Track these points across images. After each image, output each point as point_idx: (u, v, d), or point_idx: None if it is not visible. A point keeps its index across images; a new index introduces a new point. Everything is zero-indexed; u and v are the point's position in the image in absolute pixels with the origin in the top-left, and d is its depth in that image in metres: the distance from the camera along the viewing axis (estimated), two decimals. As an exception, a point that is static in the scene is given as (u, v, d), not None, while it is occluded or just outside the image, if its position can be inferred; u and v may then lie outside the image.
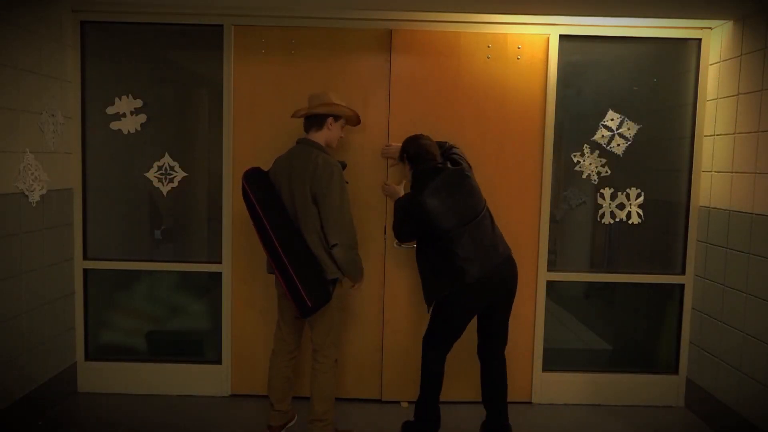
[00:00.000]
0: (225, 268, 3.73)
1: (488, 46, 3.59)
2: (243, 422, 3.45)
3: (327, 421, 3.06)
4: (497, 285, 3.04)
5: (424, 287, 3.12)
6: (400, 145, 3.25)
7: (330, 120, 3.08)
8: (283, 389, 3.18)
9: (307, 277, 2.84)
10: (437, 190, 2.99)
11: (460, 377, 3.69)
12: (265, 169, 3.12)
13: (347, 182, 3.00)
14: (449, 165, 3.12)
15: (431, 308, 3.13)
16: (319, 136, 3.08)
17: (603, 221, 3.72)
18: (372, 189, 3.65)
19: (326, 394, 3.06)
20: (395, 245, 3.63)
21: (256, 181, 2.97)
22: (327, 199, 2.88)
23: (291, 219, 2.93)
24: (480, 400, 3.30)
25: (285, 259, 2.84)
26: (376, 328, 3.73)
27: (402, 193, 3.39)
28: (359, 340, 3.74)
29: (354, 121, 3.25)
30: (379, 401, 3.78)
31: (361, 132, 3.62)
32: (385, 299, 3.71)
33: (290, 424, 3.33)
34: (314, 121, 3.07)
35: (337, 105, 3.10)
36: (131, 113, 3.67)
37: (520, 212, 3.68)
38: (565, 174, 3.73)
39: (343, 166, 3.05)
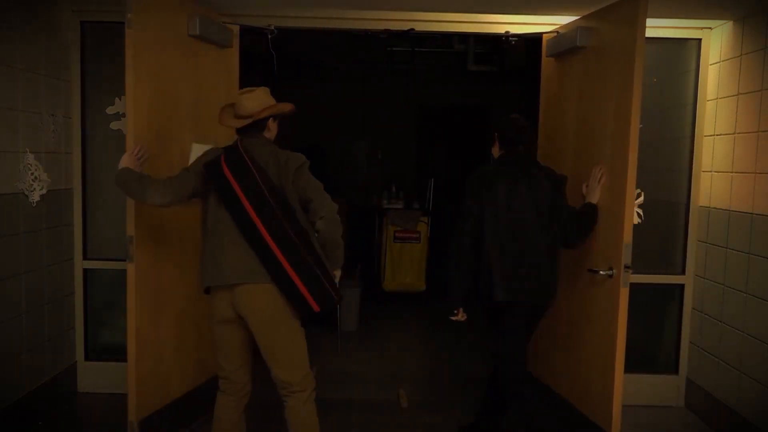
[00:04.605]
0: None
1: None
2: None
3: None
4: None
5: None
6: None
7: (270, 121, 2.70)
8: None
9: (309, 275, 2.50)
10: None
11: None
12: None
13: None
14: None
15: None
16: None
17: (603, 221, 3.71)
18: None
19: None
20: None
21: (238, 168, 2.55)
22: (307, 183, 2.59)
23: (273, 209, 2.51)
24: None
25: (278, 253, 2.47)
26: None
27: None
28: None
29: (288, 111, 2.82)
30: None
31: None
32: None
33: None
34: (251, 125, 2.64)
35: (278, 105, 2.71)
36: (131, 113, 3.67)
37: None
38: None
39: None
